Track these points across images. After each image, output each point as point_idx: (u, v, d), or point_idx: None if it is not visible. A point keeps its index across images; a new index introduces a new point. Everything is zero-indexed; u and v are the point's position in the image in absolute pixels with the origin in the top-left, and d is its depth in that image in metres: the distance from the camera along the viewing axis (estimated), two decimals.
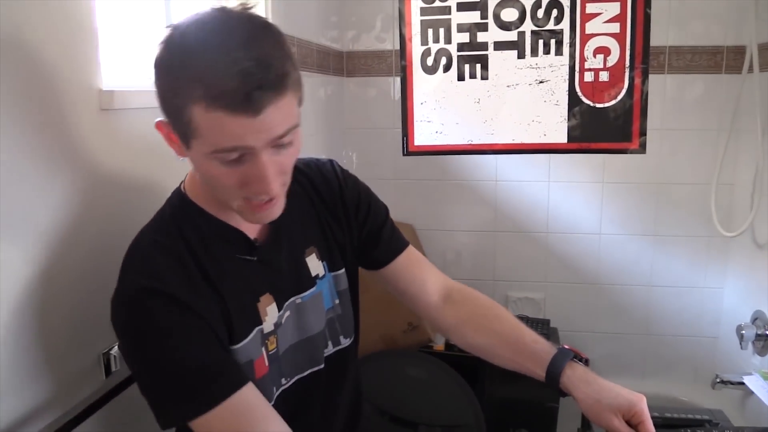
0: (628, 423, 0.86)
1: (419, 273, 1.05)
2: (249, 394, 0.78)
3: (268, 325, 0.88)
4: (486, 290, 2.36)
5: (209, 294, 0.81)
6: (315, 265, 0.96)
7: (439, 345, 2.09)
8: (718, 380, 1.95)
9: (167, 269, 0.78)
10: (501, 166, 2.30)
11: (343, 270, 1.00)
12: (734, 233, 1.96)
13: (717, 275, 2.22)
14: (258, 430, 0.77)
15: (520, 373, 0.99)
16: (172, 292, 0.77)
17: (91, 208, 0.97)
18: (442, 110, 2.00)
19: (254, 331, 0.85)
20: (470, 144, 1.97)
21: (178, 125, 0.73)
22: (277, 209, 0.81)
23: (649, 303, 2.30)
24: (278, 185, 0.77)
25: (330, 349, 0.99)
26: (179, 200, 0.86)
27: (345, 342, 1.02)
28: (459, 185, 2.36)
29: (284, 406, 0.89)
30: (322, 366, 0.97)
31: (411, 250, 1.05)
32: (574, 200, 2.29)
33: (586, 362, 0.94)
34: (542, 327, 2.20)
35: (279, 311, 0.89)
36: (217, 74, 0.68)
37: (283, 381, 0.92)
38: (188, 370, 0.76)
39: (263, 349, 0.87)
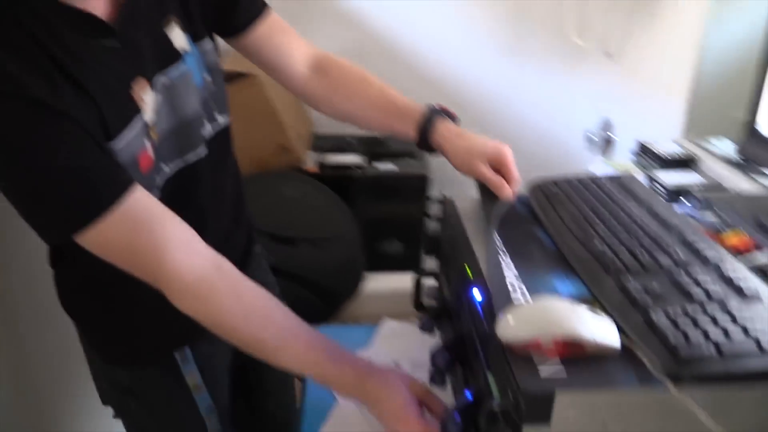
0: (495, 171, 0.91)
1: (285, 40, 1.00)
2: (140, 196, 0.73)
3: (149, 115, 0.80)
4: None
5: (70, 88, 0.71)
6: (178, 37, 0.86)
7: (311, 166, 2.09)
8: None
9: (17, 67, 0.67)
10: None
11: (208, 41, 0.92)
12: (586, 42, 2.06)
13: (571, 86, 2.34)
14: (156, 234, 0.74)
15: (393, 136, 1.01)
16: (29, 93, 0.66)
17: None
18: None
19: (134, 120, 0.78)
20: None
21: None
22: None
23: (508, 117, 2.40)
24: None
25: (208, 129, 0.93)
26: None
27: (221, 119, 0.96)
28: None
29: (171, 196, 0.85)
30: (204, 149, 0.92)
31: (274, 16, 0.99)
32: (437, 19, 2.28)
33: (455, 120, 0.97)
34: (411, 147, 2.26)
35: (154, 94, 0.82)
36: None
37: (166, 169, 0.86)
38: (67, 180, 0.69)
39: (147, 140, 0.80)
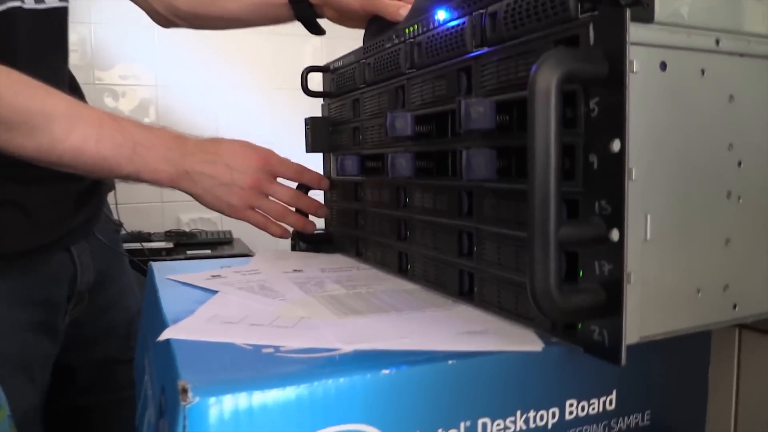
0: None
1: None
2: None
3: None
4: (155, 215, 2.04)
5: None
6: None
7: None
8: None
9: None
10: (161, 72, 2.06)
11: None
12: None
13: None
14: None
15: (268, 19, 0.86)
16: None
17: None
18: None
19: None
20: None
21: None
22: None
23: None
24: None
25: (30, 3, 0.73)
26: None
27: (52, 1, 0.75)
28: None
29: None
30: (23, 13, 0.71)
31: None
32: (244, 106, 2.16)
33: None
34: (225, 236, 1.99)
35: None
36: None
37: None
38: None
39: None
